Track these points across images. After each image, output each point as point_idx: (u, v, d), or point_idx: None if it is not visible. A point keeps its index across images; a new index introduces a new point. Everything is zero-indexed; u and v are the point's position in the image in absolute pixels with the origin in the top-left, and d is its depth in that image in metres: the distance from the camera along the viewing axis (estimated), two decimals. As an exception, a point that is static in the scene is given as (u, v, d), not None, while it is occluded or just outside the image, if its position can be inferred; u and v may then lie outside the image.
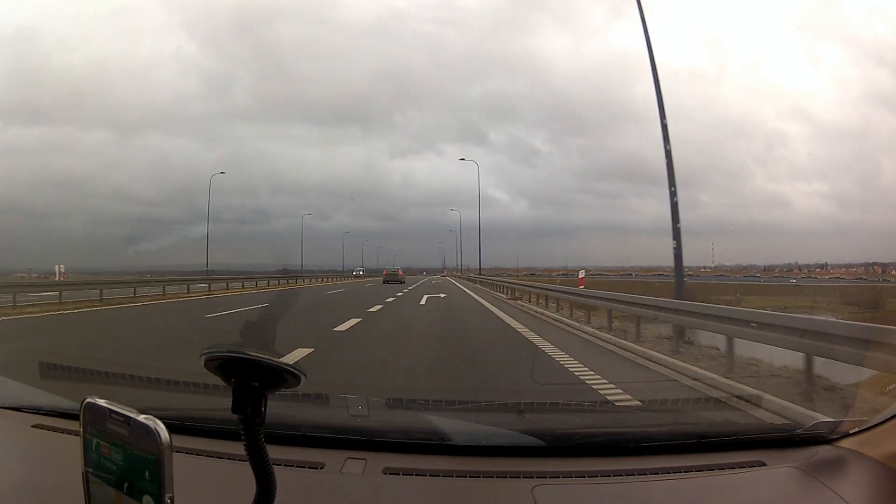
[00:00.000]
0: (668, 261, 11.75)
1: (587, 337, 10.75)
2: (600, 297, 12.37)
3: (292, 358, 6.30)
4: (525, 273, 65.15)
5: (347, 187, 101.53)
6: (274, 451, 0.99)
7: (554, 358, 7.87)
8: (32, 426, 1.83)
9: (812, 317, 7.47)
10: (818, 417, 2.32)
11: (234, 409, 0.96)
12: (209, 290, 26.64)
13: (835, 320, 7.55)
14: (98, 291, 18.89)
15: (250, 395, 0.95)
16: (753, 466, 1.61)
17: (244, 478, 1.01)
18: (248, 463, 0.98)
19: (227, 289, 28.74)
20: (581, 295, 14.45)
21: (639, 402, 5.06)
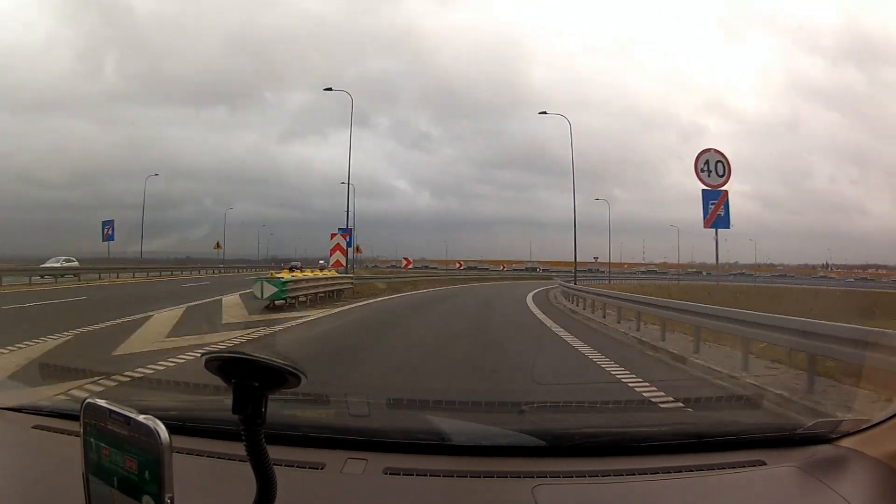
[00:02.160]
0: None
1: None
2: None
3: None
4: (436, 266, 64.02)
5: (246, 173, 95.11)
6: (274, 452, 0.99)
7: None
8: (33, 427, 1.83)
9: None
10: (818, 417, 2.32)
11: (234, 410, 0.96)
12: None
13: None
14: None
15: (251, 396, 0.95)
16: (754, 466, 1.61)
17: (245, 478, 1.01)
18: (248, 463, 0.98)
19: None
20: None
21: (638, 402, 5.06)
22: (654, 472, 1.57)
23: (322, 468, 1.56)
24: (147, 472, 0.85)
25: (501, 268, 72.01)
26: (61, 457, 1.54)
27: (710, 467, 1.61)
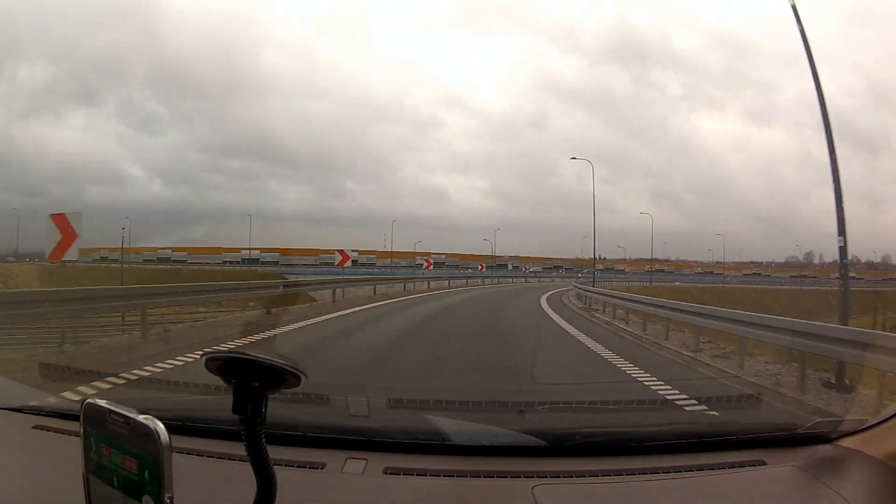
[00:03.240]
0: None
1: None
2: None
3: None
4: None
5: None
6: (274, 452, 0.99)
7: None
8: (33, 427, 1.83)
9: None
10: (818, 416, 2.32)
11: (234, 410, 0.96)
12: None
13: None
14: None
15: (251, 396, 0.95)
16: (754, 466, 1.61)
17: (245, 478, 1.01)
18: (248, 463, 0.98)
19: None
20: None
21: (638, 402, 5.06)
22: (654, 471, 1.57)
23: (322, 468, 1.56)
24: (147, 472, 0.85)
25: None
26: (61, 457, 1.54)
27: (710, 467, 1.61)
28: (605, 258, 63.74)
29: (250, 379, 0.95)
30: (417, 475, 1.55)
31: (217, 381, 0.97)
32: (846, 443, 1.67)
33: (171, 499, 0.85)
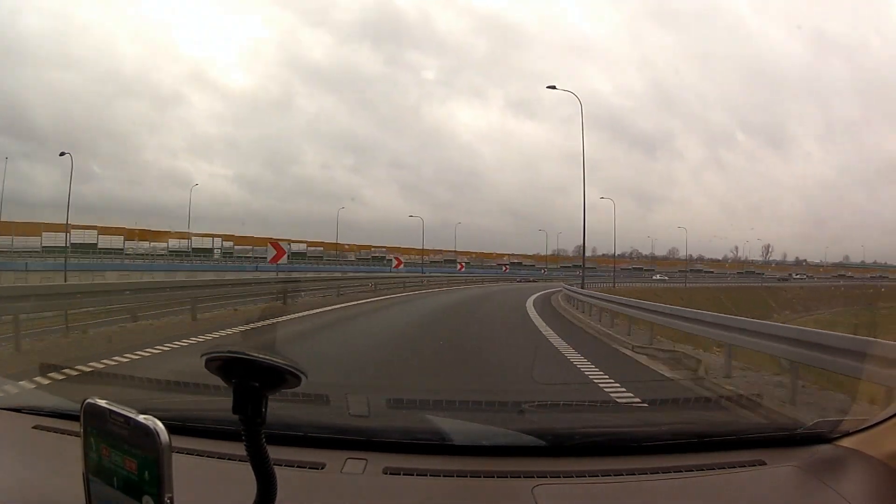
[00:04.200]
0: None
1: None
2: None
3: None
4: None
5: None
6: (274, 452, 0.99)
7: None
8: (33, 427, 1.83)
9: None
10: (818, 416, 2.32)
11: (234, 410, 0.96)
12: None
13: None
14: None
15: (251, 396, 0.95)
16: (754, 466, 1.61)
17: (245, 478, 1.01)
18: (248, 463, 0.98)
19: None
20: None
21: (640, 402, 5.06)
22: (654, 471, 1.57)
23: (322, 468, 1.56)
24: (147, 472, 0.85)
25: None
26: (61, 457, 1.54)
27: (710, 467, 1.61)
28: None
29: (250, 379, 0.95)
30: (417, 475, 1.55)
31: (217, 381, 0.97)
32: (846, 443, 1.67)
33: (171, 499, 0.85)
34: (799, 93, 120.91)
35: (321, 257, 63.59)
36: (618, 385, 5.85)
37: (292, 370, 0.95)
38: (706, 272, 69.45)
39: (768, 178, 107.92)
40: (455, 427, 1.84)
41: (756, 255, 65.99)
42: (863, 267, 79.77)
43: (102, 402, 0.93)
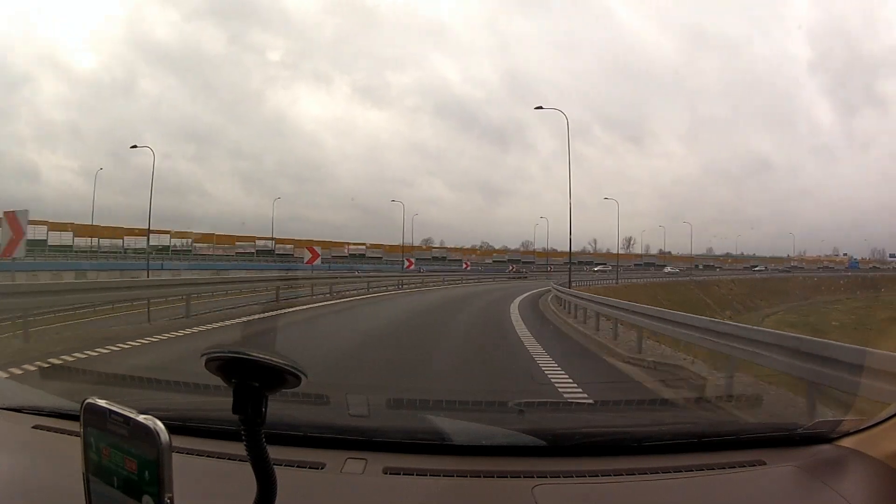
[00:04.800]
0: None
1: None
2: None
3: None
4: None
5: None
6: (274, 452, 0.99)
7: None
8: (33, 427, 1.83)
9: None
10: (818, 416, 2.32)
11: (234, 410, 0.96)
12: None
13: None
14: None
15: (251, 396, 0.95)
16: (754, 466, 1.61)
17: (245, 478, 1.01)
18: (248, 463, 0.98)
19: None
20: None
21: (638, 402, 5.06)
22: (654, 471, 1.57)
23: (322, 468, 1.56)
24: (147, 473, 0.85)
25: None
26: (61, 457, 1.54)
27: (710, 467, 1.61)
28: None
29: (250, 379, 0.95)
30: (417, 475, 1.55)
31: (217, 381, 0.97)
32: (846, 443, 1.67)
33: (171, 499, 0.85)
34: (666, 89, 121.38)
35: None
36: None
37: (292, 370, 0.96)
38: (598, 264, 66.67)
39: (627, 171, 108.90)
40: (455, 427, 1.84)
41: (615, 248, 65.17)
42: (731, 258, 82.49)
43: (102, 402, 0.93)
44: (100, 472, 0.92)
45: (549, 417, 2.59)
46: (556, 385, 6.07)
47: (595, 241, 78.98)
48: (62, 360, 6.97)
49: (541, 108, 32.71)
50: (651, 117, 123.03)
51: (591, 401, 5.26)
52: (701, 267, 73.77)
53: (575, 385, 6.13)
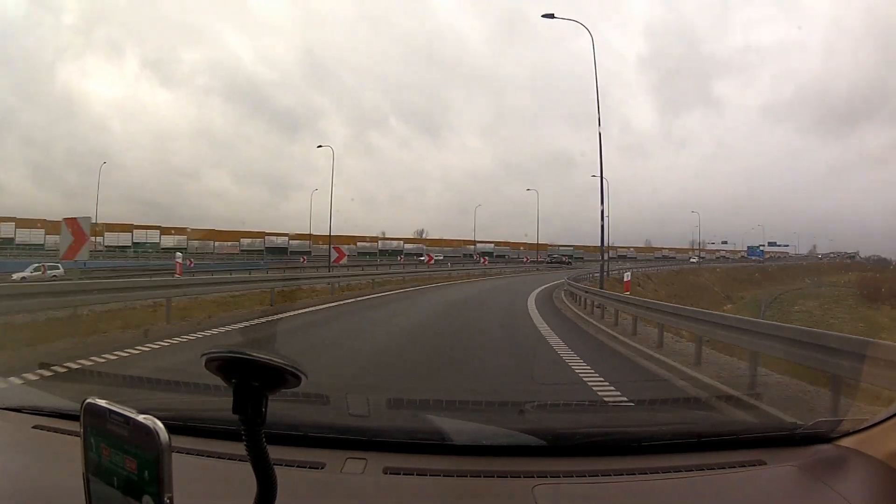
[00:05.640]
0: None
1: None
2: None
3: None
4: None
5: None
6: (275, 452, 0.99)
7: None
8: (33, 427, 1.83)
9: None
10: (818, 416, 2.32)
11: (234, 410, 0.96)
12: None
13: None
14: None
15: (251, 396, 0.95)
16: (754, 466, 1.61)
17: (245, 478, 1.01)
18: (248, 463, 0.98)
19: None
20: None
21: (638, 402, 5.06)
22: (654, 471, 1.57)
23: (322, 468, 1.56)
24: (147, 472, 0.85)
25: None
26: (62, 457, 1.54)
27: (710, 467, 1.61)
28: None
29: (251, 379, 0.95)
30: (417, 475, 1.55)
31: (217, 381, 0.97)
32: (846, 443, 1.67)
33: (170, 499, 0.85)
34: (470, 81, 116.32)
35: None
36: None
37: (293, 370, 0.95)
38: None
39: (421, 165, 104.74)
40: (455, 427, 1.84)
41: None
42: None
43: (102, 402, 0.93)
44: (100, 472, 0.92)
45: (549, 417, 2.59)
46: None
47: (384, 233, 73.88)
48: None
49: (552, 15, 21.00)
50: (450, 108, 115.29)
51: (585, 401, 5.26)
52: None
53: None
